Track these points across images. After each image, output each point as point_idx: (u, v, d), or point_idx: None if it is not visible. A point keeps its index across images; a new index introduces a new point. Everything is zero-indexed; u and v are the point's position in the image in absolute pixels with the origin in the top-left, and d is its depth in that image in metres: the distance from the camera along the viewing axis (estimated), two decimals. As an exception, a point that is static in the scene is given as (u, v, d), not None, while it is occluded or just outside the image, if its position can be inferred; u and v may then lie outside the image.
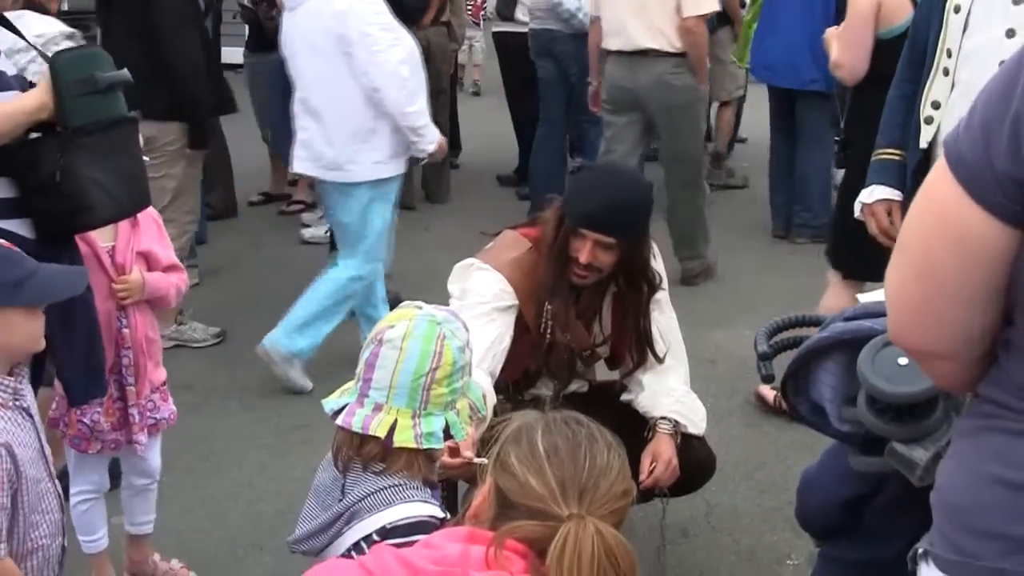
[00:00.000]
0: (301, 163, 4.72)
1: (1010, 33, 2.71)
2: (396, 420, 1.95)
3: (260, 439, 4.24)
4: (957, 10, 2.86)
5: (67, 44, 3.50)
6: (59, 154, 2.54)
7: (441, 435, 1.97)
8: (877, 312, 1.91)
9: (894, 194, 3.15)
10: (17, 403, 2.18)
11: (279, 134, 4.85)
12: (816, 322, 2.16)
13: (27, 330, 2.18)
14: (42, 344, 2.24)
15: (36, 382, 2.65)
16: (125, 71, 2.69)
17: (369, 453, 1.98)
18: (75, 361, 2.71)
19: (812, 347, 2.00)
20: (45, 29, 3.54)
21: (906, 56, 3.18)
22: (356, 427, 1.96)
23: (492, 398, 2.81)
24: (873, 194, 3.20)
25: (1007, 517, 1.30)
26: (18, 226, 2.54)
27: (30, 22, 3.47)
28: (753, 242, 6.69)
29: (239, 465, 4.04)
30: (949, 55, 2.89)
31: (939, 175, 1.29)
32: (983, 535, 1.32)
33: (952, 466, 1.42)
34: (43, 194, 2.54)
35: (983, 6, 2.81)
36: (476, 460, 2.32)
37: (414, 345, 1.95)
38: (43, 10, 3.64)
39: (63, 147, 2.56)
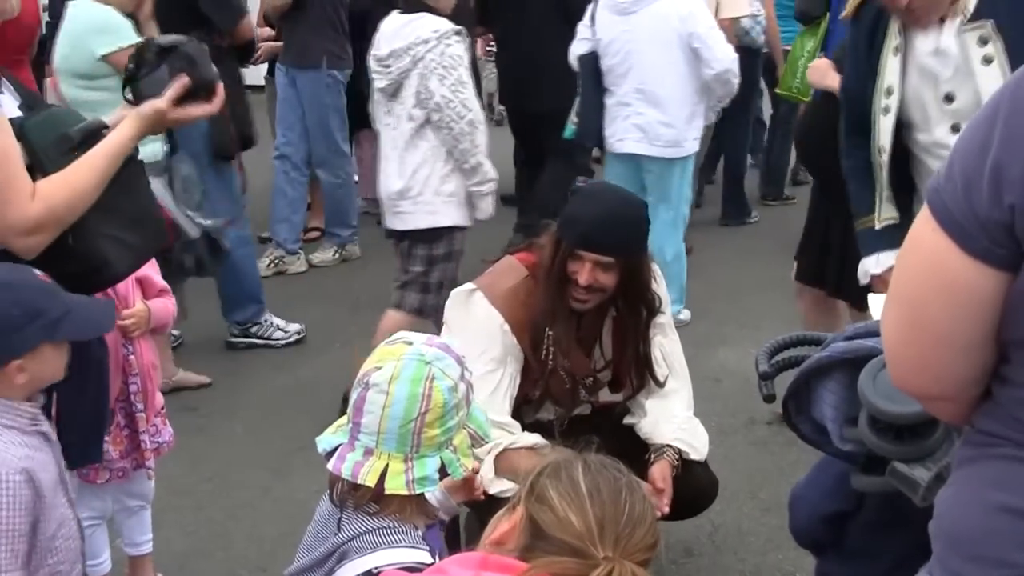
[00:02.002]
0: (634, 144, 5.38)
1: (955, 128, 2.79)
2: (387, 465, 1.90)
3: (263, 461, 4.23)
4: (886, 111, 2.88)
5: (456, 40, 4.20)
6: None
7: (436, 476, 1.92)
8: (878, 331, 1.90)
9: None
10: (35, 427, 2.18)
11: (590, 122, 5.52)
12: (817, 341, 2.15)
13: (57, 363, 2.20)
14: (63, 374, 2.23)
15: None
16: (98, 118, 2.51)
17: (362, 497, 1.94)
18: (78, 426, 2.61)
19: (813, 366, 2.00)
20: (439, 26, 4.21)
21: (846, 126, 3.13)
22: (346, 474, 1.91)
23: (523, 435, 2.93)
24: (880, 263, 3.11)
25: (1012, 544, 1.29)
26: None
27: (427, 21, 4.22)
28: (756, 260, 6.68)
29: (241, 487, 4.03)
30: (881, 153, 2.95)
31: (924, 225, 1.31)
32: (987, 563, 1.32)
33: (952, 494, 1.42)
34: (56, 258, 2.36)
35: (918, 110, 2.84)
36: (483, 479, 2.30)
37: (401, 389, 1.88)
38: (434, 11, 4.29)
39: None
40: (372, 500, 1.94)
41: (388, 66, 4.28)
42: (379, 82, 4.35)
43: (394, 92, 4.30)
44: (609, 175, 5.58)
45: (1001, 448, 1.34)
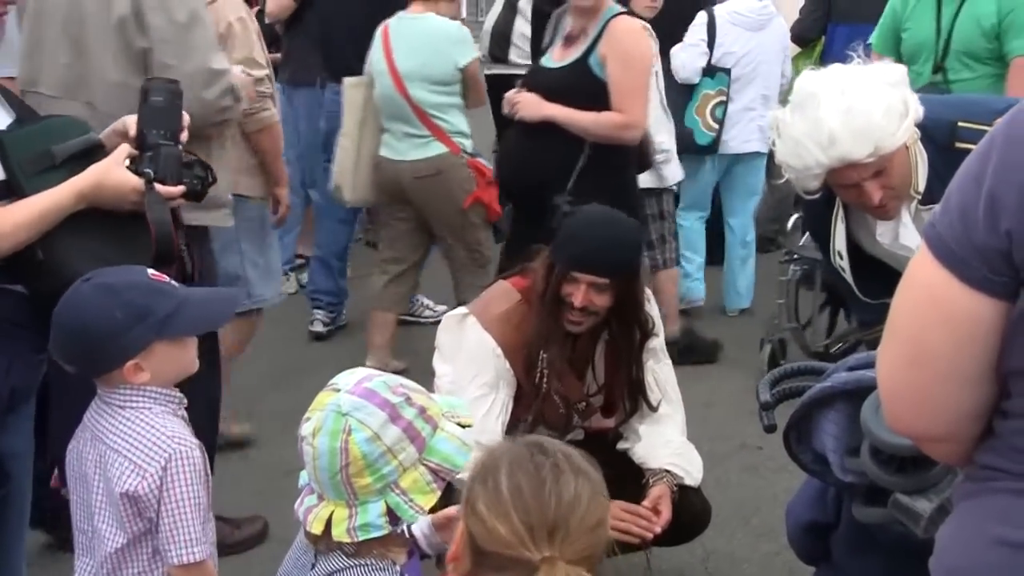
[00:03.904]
0: (758, 143, 5.90)
1: None
2: (333, 512, 1.87)
3: (252, 485, 4.20)
4: (842, 269, 2.87)
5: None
6: None
7: (381, 521, 1.85)
8: (880, 362, 1.90)
9: None
10: (180, 414, 2.23)
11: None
12: (818, 371, 2.16)
13: (180, 358, 2.21)
14: (196, 366, 2.25)
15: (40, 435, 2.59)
16: (92, 136, 2.46)
17: (320, 541, 1.91)
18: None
19: (815, 397, 2.00)
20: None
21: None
22: (300, 518, 1.92)
23: None
24: None
25: None
26: (20, 287, 2.38)
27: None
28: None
29: (232, 511, 3.99)
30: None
31: (922, 260, 1.32)
32: None
33: (952, 530, 1.43)
34: (28, 274, 2.34)
35: (895, 263, 2.77)
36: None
37: (323, 442, 1.85)
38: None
39: None
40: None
41: None
42: None
43: None
44: (730, 176, 6.19)
45: (1001, 482, 1.34)
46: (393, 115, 4.99)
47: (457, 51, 4.93)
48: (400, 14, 5.01)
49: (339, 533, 1.86)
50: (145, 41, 3.00)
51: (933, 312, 1.31)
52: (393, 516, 1.86)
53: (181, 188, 2.48)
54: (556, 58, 4.27)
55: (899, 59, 4.79)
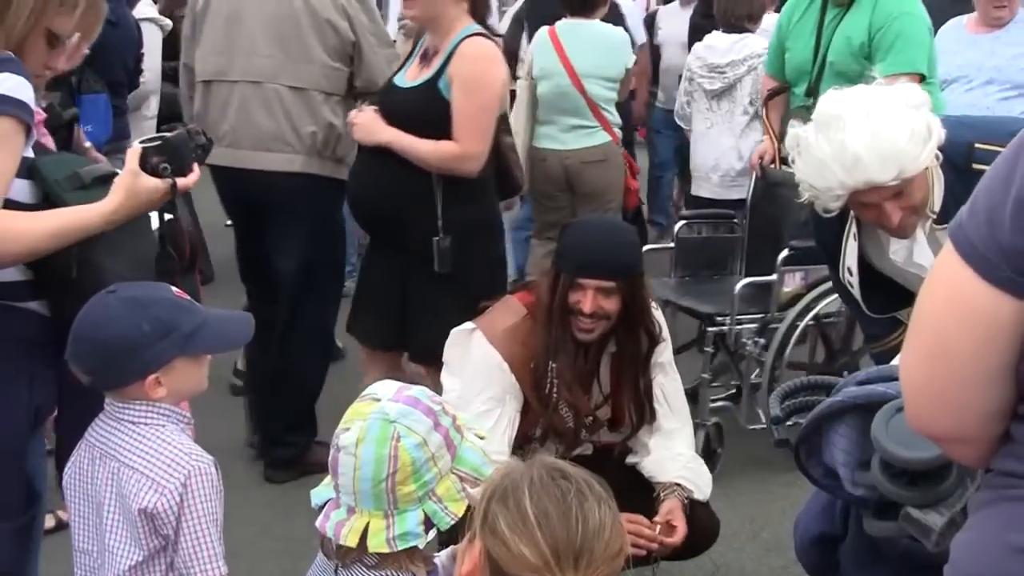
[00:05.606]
0: None
1: None
2: (368, 523, 1.87)
3: (263, 496, 4.21)
4: (851, 285, 2.88)
5: None
6: (75, 246, 2.35)
7: (419, 530, 1.87)
8: (891, 376, 1.91)
9: None
10: (188, 433, 2.26)
11: None
12: (828, 386, 2.16)
13: (196, 376, 2.24)
14: (205, 385, 2.29)
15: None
16: (104, 164, 2.51)
17: (346, 555, 1.92)
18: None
19: (825, 411, 2.00)
20: (767, 43, 5.21)
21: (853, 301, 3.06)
22: (330, 533, 1.90)
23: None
24: None
25: None
26: (38, 307, 2.42)
27: (754, 40, 5.38)
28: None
29: (242, 524, 4.00)
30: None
31: (947, 259, 1.33)
32: None
33: (969, 538, 1.42)
34: (60, 289, 2.38)
35: (904, 281, 2.81)
36: None
37: (367, 450, 1.85)
38: (752, 32, 5.57)
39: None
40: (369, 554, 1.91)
41: (724, 72, 5.43)
42: (709, 84, 5.51)
43: (722, 92, 5.46)
44: None
45: (1019, 489, 1.34)
46: (564, 109, 5.47)
47: (626, 52, 5.59)
48: (563, 21, 5.51)
49: (377, 544, 1.86)
50: (354, 35, 4.04)
51: (956, 310, 1.32)
52: (428, 523, 1.88)
53: (196, 172, 2.57)
54: (409, 77, 3.80)
55: (787, 80, 4.70)
